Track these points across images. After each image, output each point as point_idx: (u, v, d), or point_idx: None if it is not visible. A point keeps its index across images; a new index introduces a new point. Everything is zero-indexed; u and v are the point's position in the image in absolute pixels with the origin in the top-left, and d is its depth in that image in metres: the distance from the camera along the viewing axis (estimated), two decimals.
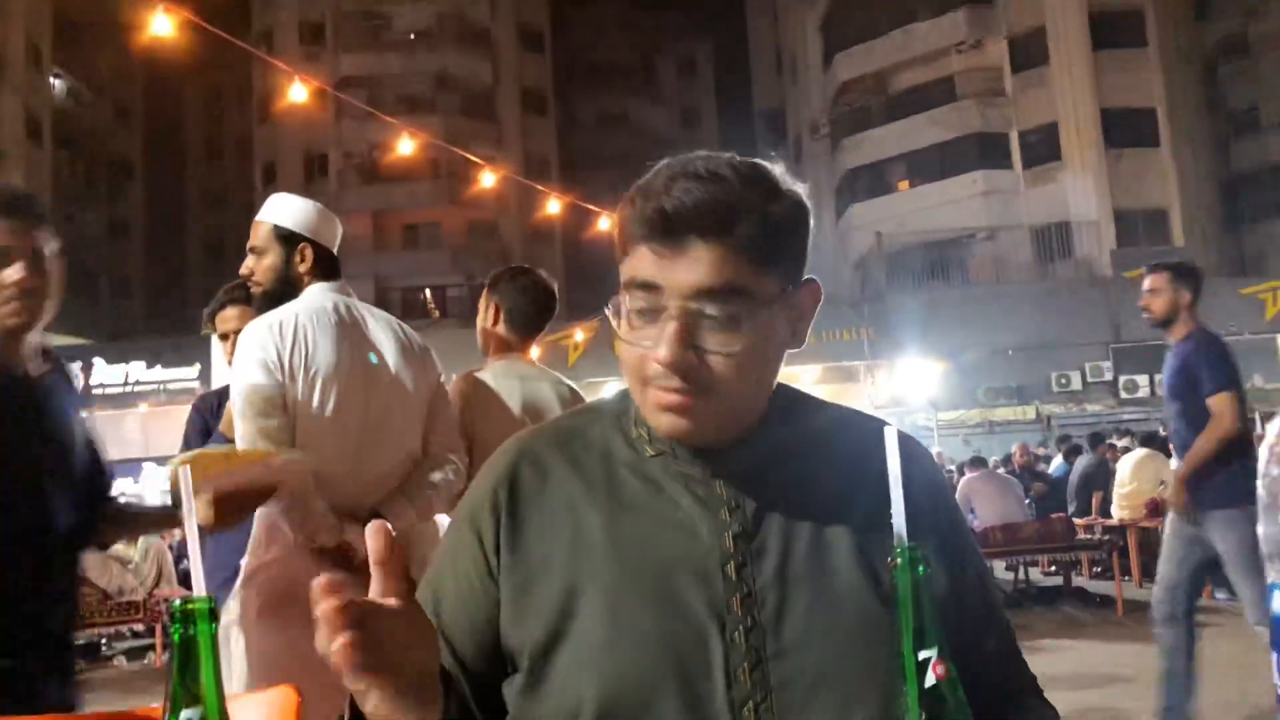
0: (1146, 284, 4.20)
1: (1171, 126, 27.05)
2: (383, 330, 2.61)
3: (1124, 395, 21.37)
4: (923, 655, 0.75)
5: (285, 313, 2.49)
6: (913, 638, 0.76)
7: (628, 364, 1.02)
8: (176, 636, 0.72)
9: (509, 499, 1.05)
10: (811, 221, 1.03)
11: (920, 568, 0.78)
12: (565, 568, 1.00)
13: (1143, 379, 21.50)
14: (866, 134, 29.45)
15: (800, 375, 17.79)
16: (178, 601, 0.73)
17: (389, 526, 0.86)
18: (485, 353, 3.23)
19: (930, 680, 0.75)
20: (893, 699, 0.82)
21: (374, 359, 2.55)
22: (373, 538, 0.84)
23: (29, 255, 1.81)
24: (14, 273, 1.80)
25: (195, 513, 0.79)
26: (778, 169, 1.02)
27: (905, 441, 0.95)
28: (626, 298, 1.00)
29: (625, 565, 0.99)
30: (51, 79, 33.34)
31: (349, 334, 2.53)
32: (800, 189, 1.02)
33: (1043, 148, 27.34)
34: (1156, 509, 8.27)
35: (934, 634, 0.76)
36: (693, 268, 0.96)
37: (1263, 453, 0.81)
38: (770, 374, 1.04)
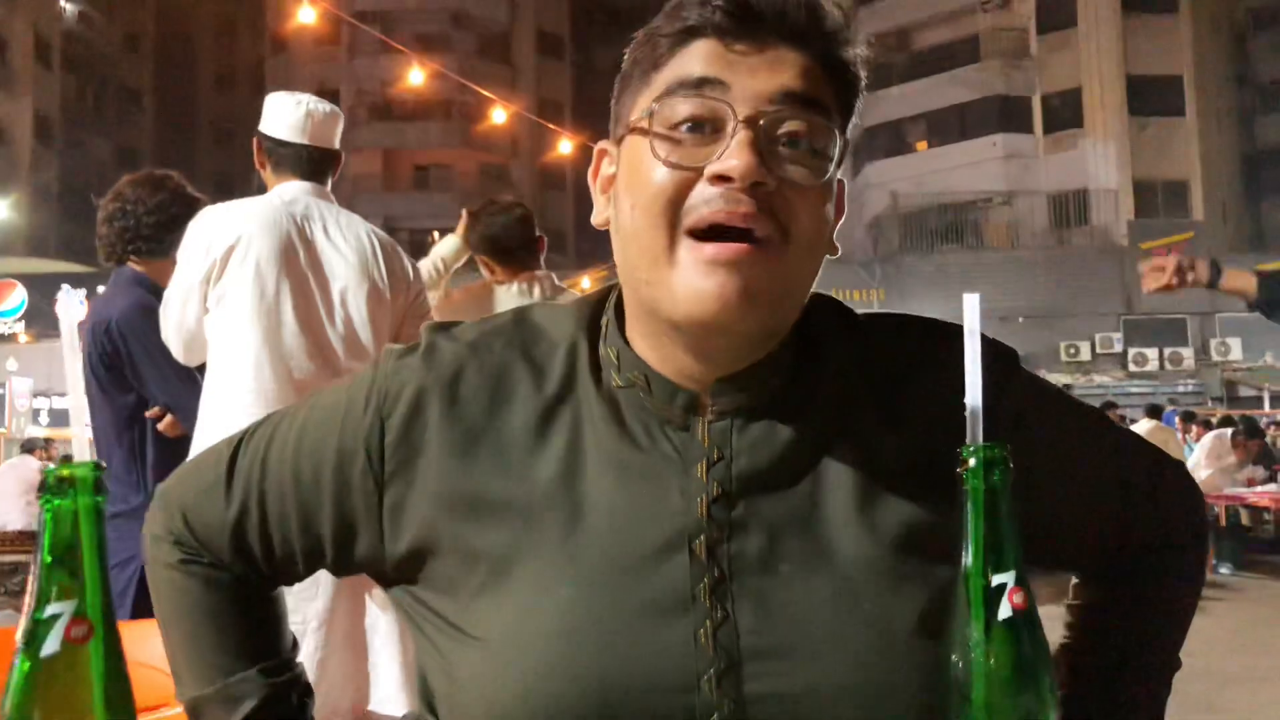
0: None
1: (1198, 97, 26.62)
2: (344, 237, 2.48)
3: (1133, 368, 21.24)
4: (996, 580, 0.59)
5: (233, 205, 2.45)
6: (983, 558, 0.59)
7: (657, 197, 0.72)
8: (49, 512, 0.57)
9: (442, 406, 0.79)
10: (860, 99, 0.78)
11: (997, 472, 0.60)
12: (493, 515, 0.76)
13: (1152, 352, 21.36)
14: (886, 91, 28.95)
15: None
16: (53, 467, 0.57)
17: None
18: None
19: (1005, 611, 0.59)
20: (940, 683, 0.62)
21: (325, 262, 2.46)
22: None
23: None
24: None
25: (77, 354, 0.61)
26: None
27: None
28: (659, 106, 0.73)
29: (569, 530, 0.75)
30: (61, 1, 32.91)
31: (290, 233, 2.42)
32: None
33: (1065, 113, 26.94)
34: None
35: (1012, 554, 0.60)
36: (774, 67, 0.72)
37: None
38: (817, 268, 0.76)
